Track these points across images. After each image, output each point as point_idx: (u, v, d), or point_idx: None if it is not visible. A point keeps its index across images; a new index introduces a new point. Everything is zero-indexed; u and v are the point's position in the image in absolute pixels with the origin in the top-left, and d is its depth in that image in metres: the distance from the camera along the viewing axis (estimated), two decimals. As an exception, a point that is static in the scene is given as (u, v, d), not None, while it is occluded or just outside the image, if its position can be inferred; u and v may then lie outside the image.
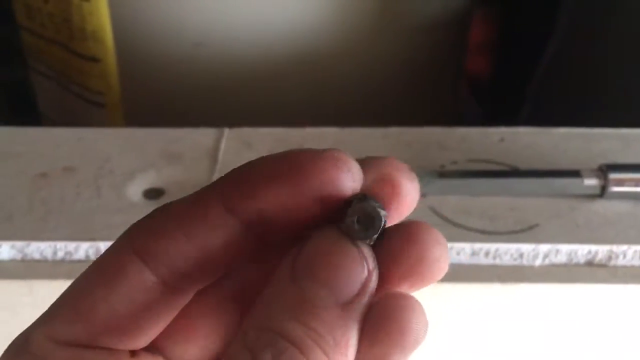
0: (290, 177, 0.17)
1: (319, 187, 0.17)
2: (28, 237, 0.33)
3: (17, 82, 0.63)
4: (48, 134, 0.40)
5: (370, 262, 0.17)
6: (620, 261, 0.33)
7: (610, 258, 0.33)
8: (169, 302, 0.18)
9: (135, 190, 0.36)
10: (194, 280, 0.18)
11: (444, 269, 0.18)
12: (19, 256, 0.33)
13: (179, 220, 0.18)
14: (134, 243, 0.18)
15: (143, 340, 0.18)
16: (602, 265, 0.33)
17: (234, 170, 0.18)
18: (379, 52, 0.56)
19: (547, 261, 0.33)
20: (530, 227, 0.34)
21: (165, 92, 0.54)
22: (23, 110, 0.62)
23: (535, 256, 0.33)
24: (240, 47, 0.52)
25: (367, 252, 0.17)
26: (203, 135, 0.39)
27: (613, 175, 0.34)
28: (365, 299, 0.17)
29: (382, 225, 0.17)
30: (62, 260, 0.33)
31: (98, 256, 0.18)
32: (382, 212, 0.17)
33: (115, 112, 0.56)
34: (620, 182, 0.34)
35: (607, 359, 0.34)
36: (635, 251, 0.33)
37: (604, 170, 0.35)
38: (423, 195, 0.36)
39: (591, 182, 0.35)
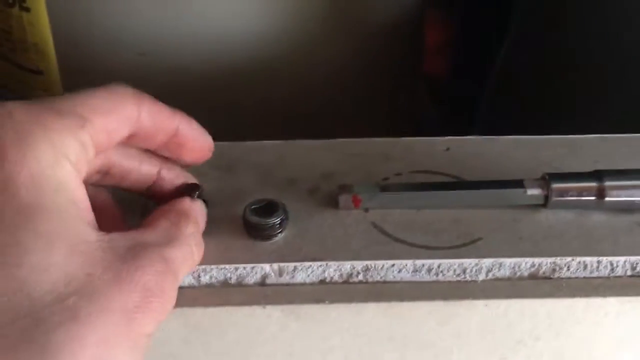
0: None
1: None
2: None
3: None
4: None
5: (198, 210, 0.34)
6: (565, 273, 0.33)
7: (554, 270, 0.33)
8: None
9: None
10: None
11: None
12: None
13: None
14: None
15: None
16: (546, 278, 0.33)
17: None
18: (332, 58, 0.55)
19: (490, 275, 0.33)
20: (473, 241, 0.33)
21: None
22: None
23: (479, 271, 0.32)
24: (185, 56, 0.51)
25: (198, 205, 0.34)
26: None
27: (556, 185, 0.34)
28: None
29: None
30: None
31: None
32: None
33: (61, 125, 0.54)
34: (563, 192, 0.34)
35: (555, 372, 0.33)
36: (579, 262, 0.32)
37: (547, 179, 0.34)
38: (365, 210, 0.35)
39: (534, 192, 0.34)
